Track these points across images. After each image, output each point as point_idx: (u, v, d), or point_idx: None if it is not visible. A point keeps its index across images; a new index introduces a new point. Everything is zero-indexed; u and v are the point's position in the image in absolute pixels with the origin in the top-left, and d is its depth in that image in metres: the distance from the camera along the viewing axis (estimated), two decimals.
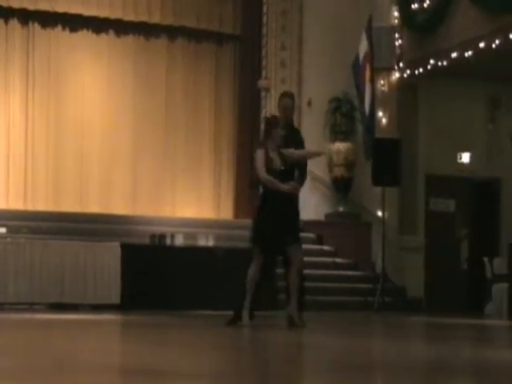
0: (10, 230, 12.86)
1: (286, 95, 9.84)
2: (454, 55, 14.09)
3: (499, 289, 14.27)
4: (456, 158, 15.95)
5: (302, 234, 15.32)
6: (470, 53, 13.76)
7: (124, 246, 12.43)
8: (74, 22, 15.43)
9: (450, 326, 9.78)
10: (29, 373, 4.73)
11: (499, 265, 14.73)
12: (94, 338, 7.58)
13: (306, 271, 14.10)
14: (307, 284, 13.75)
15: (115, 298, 12.14)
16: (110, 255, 12.31)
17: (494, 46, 13.26)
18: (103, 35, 15.66)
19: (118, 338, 8.02)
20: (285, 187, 8.80)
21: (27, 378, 4.52)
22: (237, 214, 16.07)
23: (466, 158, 16.05)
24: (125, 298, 12.13)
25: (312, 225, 15.35)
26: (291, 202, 9.02)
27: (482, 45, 13.46)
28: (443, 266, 15.83)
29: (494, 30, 13.27)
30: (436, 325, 11.75)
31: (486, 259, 14.81)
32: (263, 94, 16.00)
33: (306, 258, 14.38)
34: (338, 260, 14.82)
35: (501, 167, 16.07)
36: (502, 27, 13.09)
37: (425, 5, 14.85)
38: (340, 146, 15.56)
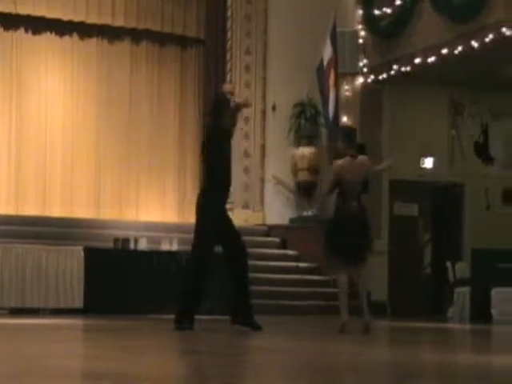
0: None
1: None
2: (417, 61, 14.20)
3: (461, 293, 14.39)
4: (419, 162, 16.05)
5: (267, 239, 15.43)
6: (432, 58, 13.87)
7: (87, 250, 12.36)
8: (37, 24, 15.34)
9: (413, 330, 9.83)
10: None
11: (462, 269, 14.86)
12: (56, 343, 7.51)
13: (270, 275, 14.18)
14: (271, 288, 13.78)
15: (78, 302, 12.07)
16: (72, 259, 12.23)
17: (456, 52, 13.38)
18: (67, 38, 15.57)
19: (80, 343, 7.96)
20: None
21: None
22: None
23: (429, 162, 16.16)
24: (88, 302, 12.06)
25: (276, 229, 15.38)
26: None
27: (444, 51, 13.58)
28: (407, 270, 15.92)
29: (456, 36, 13.39)
30: (399, 328, 11.80)
31: (448, 263, 14.92)
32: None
33: (270, 263, 14.48)
34: (302, 264, 14.84)
35: (463, 172, 16.21)
36: (464, 34, 13.22)
37: (388, 10, 14.95)
38: (304, 150, 15.59)
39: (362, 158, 9.38)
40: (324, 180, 9.20)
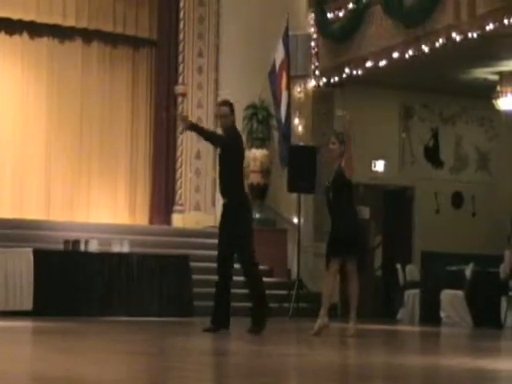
0: None
1: (220, 103, 9.95)
2: (368, 64, 14.29)
3: (411, 295, 14.51)
4: (370, 166, 16.14)
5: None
6: (384, 62, 13.97)
7: (37, 252, 12.22)
8: None
9: (363, 332, 9.91)
10: None
11: (411, 272, 14.98)
12: (3, 345, 7.43)
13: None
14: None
15: (27, 305, 11.93)
16: (22, 261, 12.09)
17: (407, 56, 13.49)
18: (16, 37, 15.39)
19: (28, 345, 7.88)
20: None
21: None
22: (152, 220, 15.99)
23: (380, 166, 16.26)
24: (37, 304, 11.92)
25: None
26: None
27: (395, 54, 13.69)
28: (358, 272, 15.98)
29: (407, 40, 13.51)
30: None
31: (398, 266, 15.03)
32: (179, 99, 15.97)
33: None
34: None
35: (414, 175, 16.35)
36: (415, 38, 13.34)
37: (340, 14, 15.03)
38: (256, 152, 15.61)
39: None
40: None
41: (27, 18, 15.20)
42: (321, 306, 9.52)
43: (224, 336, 9.03)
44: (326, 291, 9.55)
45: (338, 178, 9.46)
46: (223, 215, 9.50)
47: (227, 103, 9.68)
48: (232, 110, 9.64)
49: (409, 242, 16.45)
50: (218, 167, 9.91)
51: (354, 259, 9.51)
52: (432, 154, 16.54)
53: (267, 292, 14.21)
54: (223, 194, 9.55)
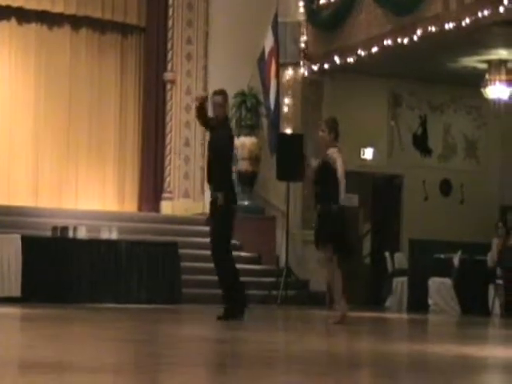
0: None
1: (215, 93, 9.87)
2: (357, 52, 14.28)
3: (399, 282, 14.57)
4: (359, 153, 16.16)
5: (207, 228, 15.41)
6: (373, 50, 13.96)
7: (25, 239, 12.20)
8: None
9: (351, 320, 9.94)
10: None
11: (400, 259, 15.04)
12: None
13: (210, 265, 14.18)
14: (210, 278, 13.80)
15: (15, 291, 11.92)
16: (10, 247, 12.07)
17: (396, 44, 13.49)
18: (4, 23, 15.29)
19: (17, 332, 7.88)
20: None
21: None
22: (141, 207, 15.98)
23: (368, 153, 16.28)
24: (26, 290, 11.91)
25: None
26: None
27: (384, 42, 13.68)
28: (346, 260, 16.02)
29: (396, 28, 13.50)
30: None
31: (387, 254, 15.08)
32: (168, 86, 15.94)
33: (209, 252, 14.45)
34: (243, 254, 14.87)
35: (402, 163, 16.37)
36: (404, 26, 13.34)
37: (331, 1, 15.00)
38: (245, 140, 15.60)
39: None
40: (340, 166, 9.29)
41: (15, 3, 15.12)
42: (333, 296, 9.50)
43: (213, 324, 9.04)
44: (329, 279, 9.51)
45: (324, 165, 9.41)
46: (211, 204, 9.50)
47: (222, 92, 9.66)
48: (226, 100, 9.62)
49: (397, 229, 16.49)
50: (207, 154, 9.92)
51: (328, 248, 9.41)
52: (420, 142, 16.57)
53: (257, 279, 14.32)
54: (210, 183, 9.57)
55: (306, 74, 15.66)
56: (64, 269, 12.26)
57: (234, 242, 15.15)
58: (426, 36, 12.97)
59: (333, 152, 9.37)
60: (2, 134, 15.20)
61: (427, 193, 16.51)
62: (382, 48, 13.76)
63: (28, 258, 12.08)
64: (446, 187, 16.75)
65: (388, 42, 13.60)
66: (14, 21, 15.35)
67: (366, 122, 16.01)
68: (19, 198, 15.06)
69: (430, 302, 13.67)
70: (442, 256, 13.88)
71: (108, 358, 5.46)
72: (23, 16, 15.34)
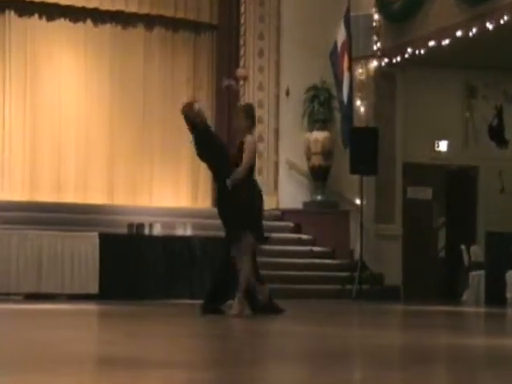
0: None
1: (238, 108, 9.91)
2: (430, 43, 14.12)
3: (476, 276, 14.37)
4: (433, 146, 16.01)
5: (281, 223, 15.43)
6: (446, 41, 13.80)
7: (102, 236, 12.40)
8: (50, 11, 15.34)
9: (427, 314, 9.83)
10: (4, 364, 4.71)
11: (476, 252, 14.83)
12: (70, 328, 7.56)
13: (286, 259, 14.21)
14: (284, 273, 13.80)
15: (93, 288, 12.12)
16: (87, 245, 12.27)
17: (470, 34, 13.31)
18: (80, 24, 15.57)
19: (95, 328, 8.01)
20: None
21: (2, 369, 4.50)
22: (214, 203, 16.04)
23: (443, 146, 16.11)
24: (103, 287, 12.11)
25: (290, 213, 15.39)
26: None
27: (458, 33, 13.51)
28: (421, 253, 15.91)
29: (470, 18, 13.31)
30: (413, 312, 11.80)
31: (463, 247, 14.89)
32: (241, 83, 15.99)
33: (284, 247, 14.50)
34: (316, 248, 14.86)
35: (477, 155, 16.15)
36: (478, 16, 13.14)
37: None
38: (318, 134, 15.58)
39: None
40: (248, 154, 8.99)
41: (90, 5, 15.36)
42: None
43: (272, 318, 9.00)
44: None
45: (238, 153, 9.11)
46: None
47: (243, 108, 9.56)
48: (249, 116, 9.36)
49: (473, 222, 16.27)
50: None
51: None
52: (496, 133, 16.30)
53: (331, 274, 14.29)
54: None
55: (379, 66, 15.55)
56: (140, 265, 12.41)
57: (307, 236, 15.20)
58: (500, 25, 12.75)
59: (249, 142, 9.05)
60: (78, 135, 15.46)
61: (503, 184, 16.25)
62: (456, 38, 13.58)
63: (105, 255, 12.27)
64: None
65: (462, 32, 13.42)
66: (89, 22, 15.59)
67: (439, 114, 15.83)
68: (96, 196, 15.30)
69: (508, 295, 13.45)
70: None
71: (187, 353, 5.51)
72: (98, 17, 15.57)
